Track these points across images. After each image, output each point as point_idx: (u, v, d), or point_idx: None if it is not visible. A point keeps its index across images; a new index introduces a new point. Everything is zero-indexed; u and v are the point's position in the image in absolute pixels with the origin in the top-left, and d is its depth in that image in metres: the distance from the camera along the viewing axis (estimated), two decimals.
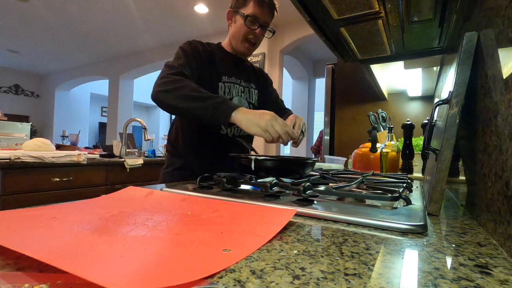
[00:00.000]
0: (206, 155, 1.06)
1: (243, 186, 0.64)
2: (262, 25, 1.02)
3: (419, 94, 1.92)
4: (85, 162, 1.98)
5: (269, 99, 1.22)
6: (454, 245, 0.32)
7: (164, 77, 0.86)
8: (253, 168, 0.71)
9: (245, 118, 0.78)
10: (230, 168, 0.93)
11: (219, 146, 1.06)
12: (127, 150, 2.55)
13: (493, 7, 0.41)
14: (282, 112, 1.16)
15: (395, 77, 1.77)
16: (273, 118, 0.78)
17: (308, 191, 0.50)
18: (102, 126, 9.10)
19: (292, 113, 1.03)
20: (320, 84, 5.41)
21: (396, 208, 0.46)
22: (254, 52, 1.10)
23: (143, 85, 7.19)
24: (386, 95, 2.04)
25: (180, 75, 0.88)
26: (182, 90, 0.82)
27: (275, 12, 1.05)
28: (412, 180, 0.81)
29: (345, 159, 1.54)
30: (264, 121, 0.77)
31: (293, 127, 0.88)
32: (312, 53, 5.33)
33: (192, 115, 0.85)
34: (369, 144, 1.21)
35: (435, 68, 1.41)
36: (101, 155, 2.36)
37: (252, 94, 1.14)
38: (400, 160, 1.15)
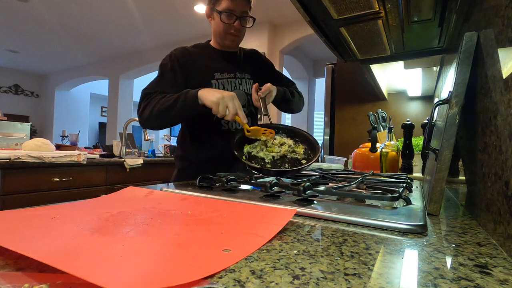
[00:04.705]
0: (210, 151, 1.07)
1: (243, 186, 0.64)
2: (239, 17, 1.00)
3: (419, 94, 1.92)
4: (85, 162, 1.98)
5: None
6: (454, 245, 0.32)
7: (140, 107, 0.97)
8: (247, 168, 0.72)
9: (207, 92, 0.85)
10: (233, 164, 1.01)
11: (222, 142, 1.06)
12: (127, 150, 2.55)
13: (493, 6, 0.41)
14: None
15: (395, 77, 1.77)
16: (230, 97, 0.82)
17: (308, 191, 0.50)
18: (102, 126, 9.09)
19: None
20: (320, 84, 5.42)
21: (396, 208, 0.46)
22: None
23: (143, 85, 7.15)
24: (386, 95, 2.04)
25: (149, 97, 0.96)
26: (156, 108, 0.91)
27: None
28: (412, 180, 0.81)
29: (345, 159, 1.53)
30: (219, 95, 0.82)
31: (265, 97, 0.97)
32: (312, 53, 5.33)
33: (178, 119, 0.98)
34: (369, 144, 1.21)
35: (435, 68, 1.41)
36: (101, 155, 2.36)
37: (248, 85, 1.12)
38: (400, 160, 1.15)
